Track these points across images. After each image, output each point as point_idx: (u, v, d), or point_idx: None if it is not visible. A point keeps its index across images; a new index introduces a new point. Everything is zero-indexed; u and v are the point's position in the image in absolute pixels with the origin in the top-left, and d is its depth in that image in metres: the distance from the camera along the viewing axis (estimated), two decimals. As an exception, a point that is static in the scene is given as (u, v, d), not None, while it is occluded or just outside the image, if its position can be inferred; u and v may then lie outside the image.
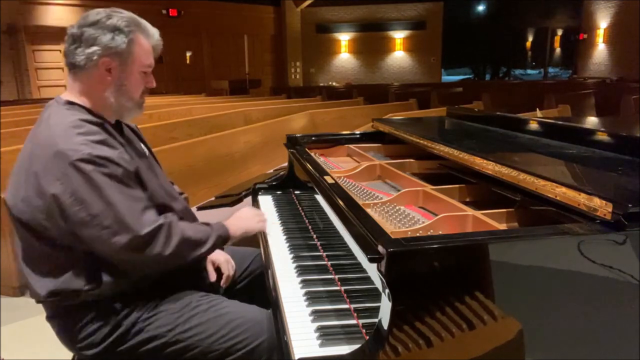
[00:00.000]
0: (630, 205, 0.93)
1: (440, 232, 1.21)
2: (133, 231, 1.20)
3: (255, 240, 1.71)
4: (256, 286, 1.64)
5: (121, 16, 1.30)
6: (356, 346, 0.93)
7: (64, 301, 1.28)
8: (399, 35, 16.18)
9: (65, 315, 1.32)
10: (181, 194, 1.65)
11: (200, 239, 1.34)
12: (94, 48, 1.27)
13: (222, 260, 1.58)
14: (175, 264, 1.32)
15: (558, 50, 20.33)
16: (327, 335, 1.05)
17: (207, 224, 1.41)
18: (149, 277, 1.33)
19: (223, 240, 1.42)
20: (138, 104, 1.39)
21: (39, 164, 1.21)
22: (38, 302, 1.34)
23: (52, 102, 1.35)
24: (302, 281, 1.31)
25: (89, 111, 1.32)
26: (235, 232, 1.47)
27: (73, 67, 1.31)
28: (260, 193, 2.15)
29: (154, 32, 1.38)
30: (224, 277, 1.56)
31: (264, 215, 1.65)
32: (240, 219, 1.56)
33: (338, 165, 2.03)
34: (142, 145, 1.53)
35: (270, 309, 1.34)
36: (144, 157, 1.45)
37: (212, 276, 1.55)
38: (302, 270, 1.38)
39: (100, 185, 1.19)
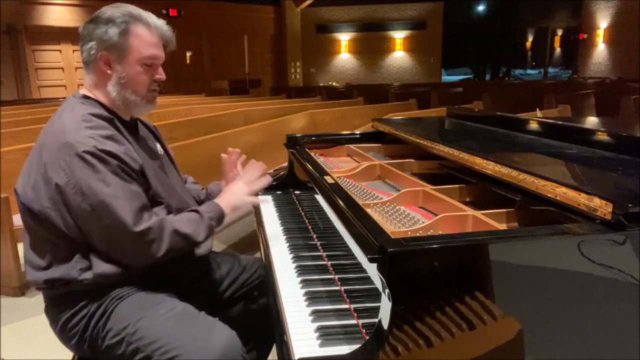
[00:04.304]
0: (630, 205, 0.93)
1: (440, 232, 1.21)
2: (127, 228, 1.20)
3: (256, 241, 1.71)
4: (258, 293, 1.62)
5: (117, 9, 1.30)
6: (356, 346, 0.93)
7: (56, 289, 1.29)
8: (399, 35, 16.20)
9: (55, 305, 1.33)
10: (202, 189, 1.63)
11: (192, 231, 1.30)
12: (91, 43, 1.29)
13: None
14: (173, 257, 1.29)
15: (558, 50, 20.35)
16: (327, 335, 1.05)
17: (197, 212, 1.35)
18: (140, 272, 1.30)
19: (217, 221, 1.38)
20: (145, 98, 1.36)
21: (48, 154, 1.23)
22: (37, 288, 1.35)
23: (70, 96, 1.37)
24: (302, 281, 1.31)
25: (103, 106, 1.33)
26: (226, 208, 1.41)
27: (83, 64, 1.35)
28: (260, 193, 2.15)
29: (158, 24, 1.35)
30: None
31: (256, 185, 1.54)
32: (230, 192, 1.48)
33: (338, 165, 2.03)
34: (158, 145, 1.53)
35: (269, 315, 1.33)
36: (156, 157, 1.45)
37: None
38: (302, 270, 1.38)
39: (102, 179, 1.20)
